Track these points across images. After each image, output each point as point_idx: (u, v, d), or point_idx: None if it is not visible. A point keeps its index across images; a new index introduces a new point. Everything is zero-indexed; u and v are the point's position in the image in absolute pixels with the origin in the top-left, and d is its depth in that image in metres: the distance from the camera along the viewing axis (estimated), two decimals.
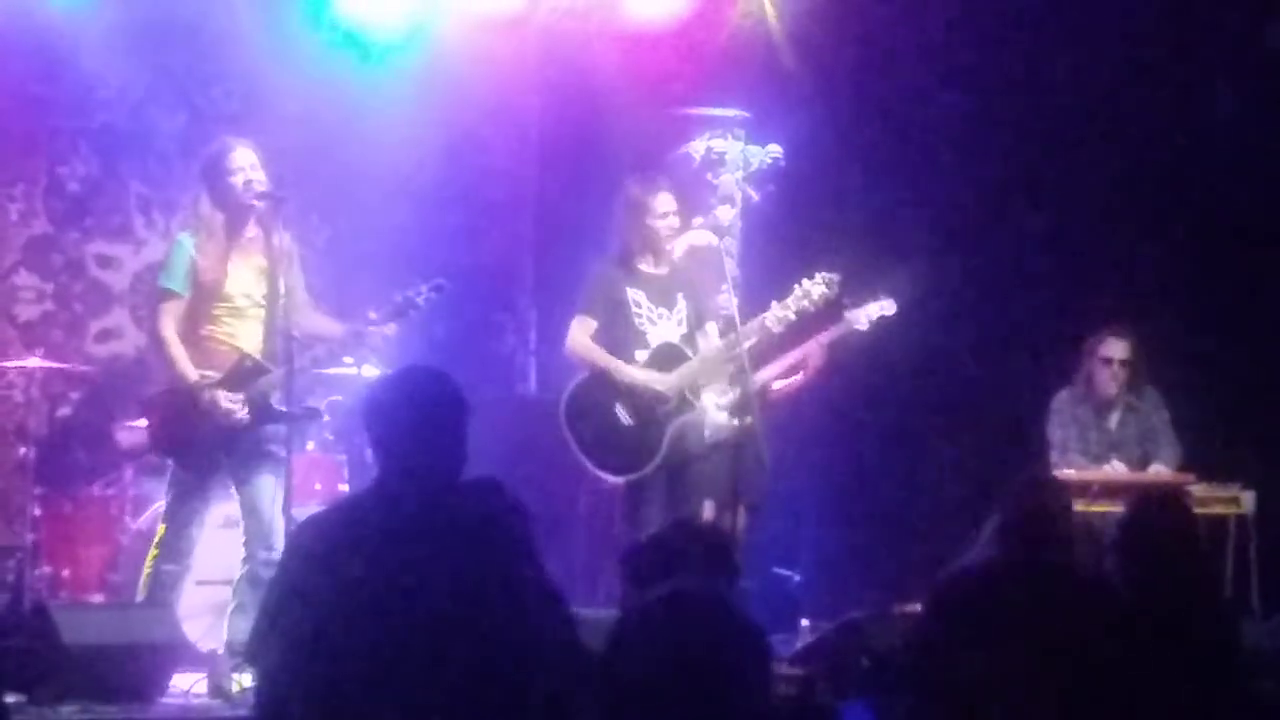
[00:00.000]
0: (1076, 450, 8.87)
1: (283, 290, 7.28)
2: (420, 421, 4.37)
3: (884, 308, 8.34)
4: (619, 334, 7.87)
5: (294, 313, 7.26)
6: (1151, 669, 5.25)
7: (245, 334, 7.31)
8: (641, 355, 7.85)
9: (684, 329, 7.95)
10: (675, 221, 7.98)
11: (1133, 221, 9.90)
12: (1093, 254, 9.91)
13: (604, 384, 7.82)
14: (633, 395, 7.79)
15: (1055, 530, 5.56)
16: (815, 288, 7.93)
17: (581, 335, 7.88)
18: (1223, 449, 8.90)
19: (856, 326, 8.34)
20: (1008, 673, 5.19)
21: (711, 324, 8.00)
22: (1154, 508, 5.80)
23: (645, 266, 7.97)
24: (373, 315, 7.22)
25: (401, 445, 4.37)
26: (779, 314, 7.87)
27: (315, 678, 4.16)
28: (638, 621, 3.48)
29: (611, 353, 7.85)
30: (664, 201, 7.95)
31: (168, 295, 7.32)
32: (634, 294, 7.89)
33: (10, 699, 6.49)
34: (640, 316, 7.89)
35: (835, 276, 7.98)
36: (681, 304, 7.96)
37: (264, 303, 7.32)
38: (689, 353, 7.88)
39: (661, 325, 7.91)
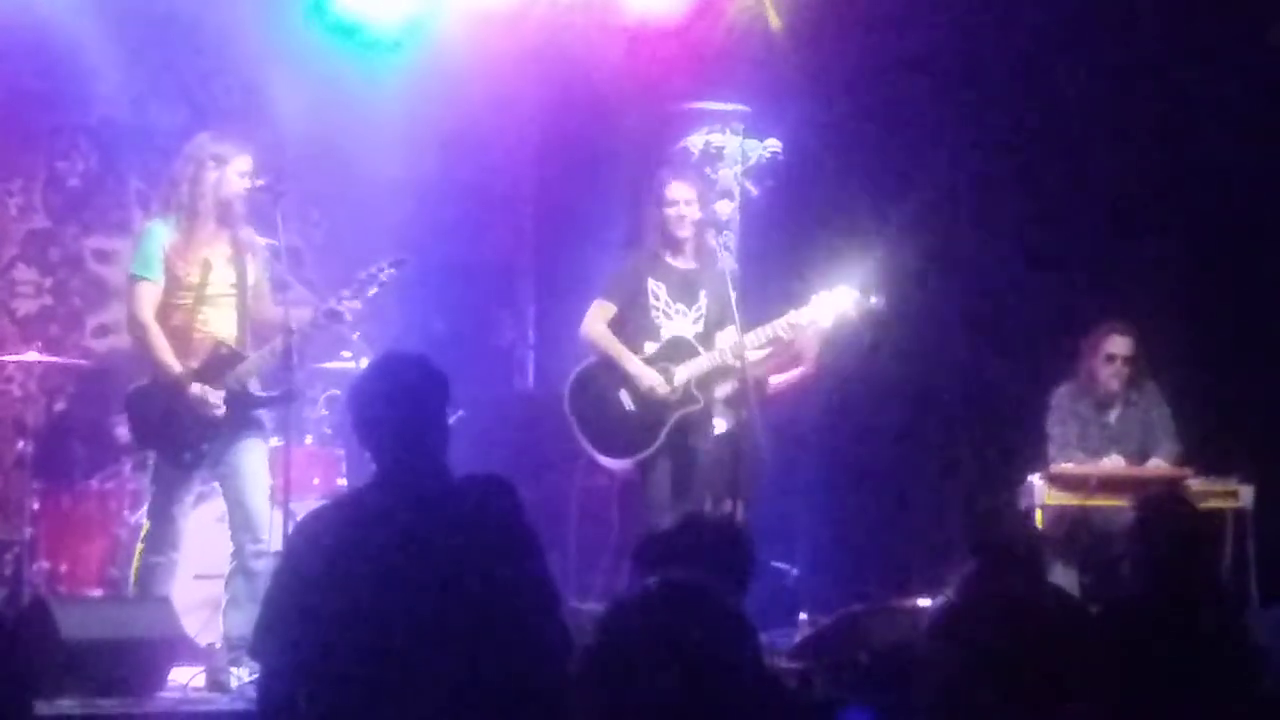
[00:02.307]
0: (1075, 445, 8.87)
1: (251, 279, 7.32)
2: (400, 404, 4.38)
3: (872, 302, 8.34)
4: (633, 323, 7.91)
5: (257, 302, 7.32)
6: (1167, 669, 5.26)
7: (218, 321, 7.34)
8: (651, 347, 7.89)
9: (701, 327, 7.97)
10: (686, 211, 7.96)
11: (1132, 218, 9.90)
12: (1092, 249, 9.91)
13: (610, 370, 7.86)
14: (634, 385, 7.82)
15: (1023, 563, 5.60)
16: (834, 300, 7.95)
17: (597, 320, 7.93)
18: (1221, 443, 8.89)
19: (844, 319, 8.33)
20: (997, 702, 5.22)
21: (732, 327, 7.98)
22: (1158, 510, 5.80)
23: (671, 259, 7.99)
24: (344, 293, 7.29)
25: (383, 429, 4.39)
26: (793, 320, 7.91)
27: (318, 671, 4.17)
28: (624, 612, 3.48)
29: (624, 341, 7.90)
30: (675, 190, 7.97)
31: (142, 283, 7.33)
32: (654, 285, 7.93)
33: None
34: (656, 309, 7.92)
35: (855, 291, 8.00)
36: (703, 301, 7.97)
37: (233, 291, 7.35)
38: (700, 348, 7.89)
39: (678, 320, 7.94)
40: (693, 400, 7.86)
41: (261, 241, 7.45)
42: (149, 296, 7.30)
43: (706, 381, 7.91)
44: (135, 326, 7.40)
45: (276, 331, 7.28)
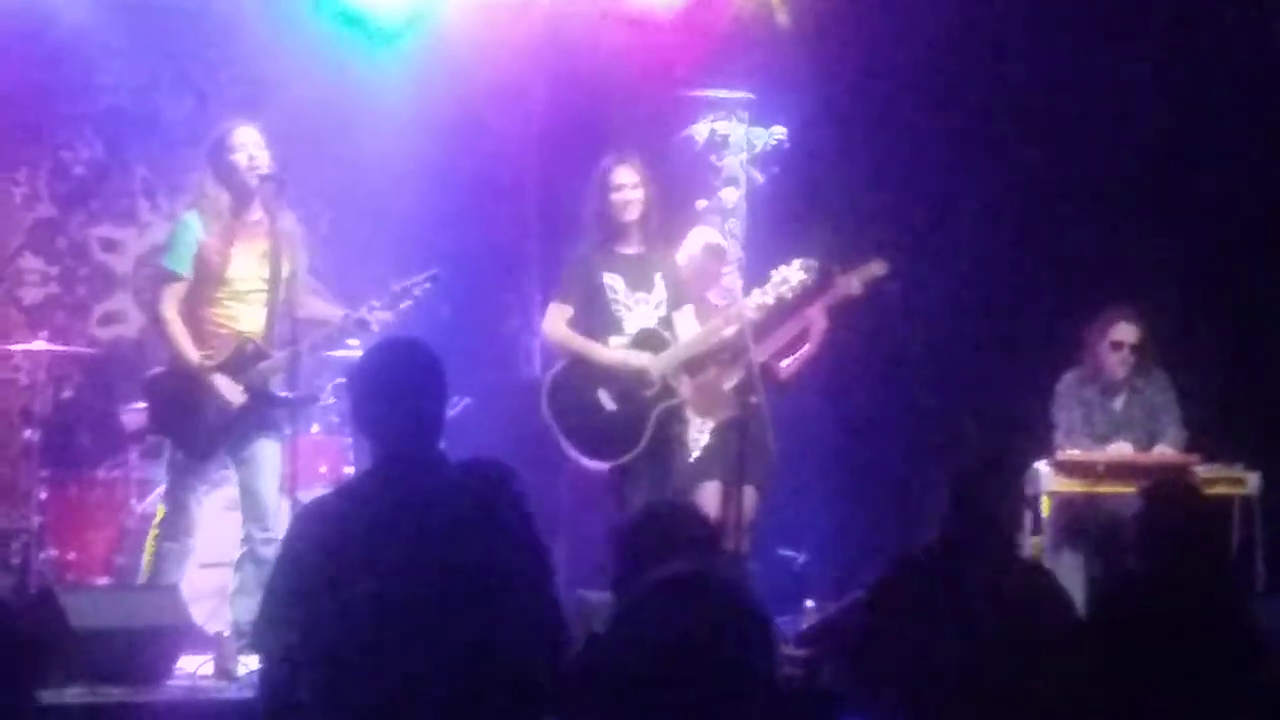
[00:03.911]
0: (1082, 432, 8.87)
1: (285, 273, 7.30)
2: (395, 390, 4.38)
3: (875, 269, 8.34)
4: (595, 320, 7.81)
5: (296, 296, 7.30)
6: (1171, 654, 5.25)
7: (247, 317, 7.33)
8: (618, 341, 7.80)
9: (662, 311, 7.89)
10: (632, 195, 7.86)
11: (1138, 205, 9.90)
12: (1099, 237, 9.90)
13: (585, 370, 7.77)
14: (614, 380, 7.75)
15: (1001, 514, 5.56)
16: (794, 274, 7.89)
17: (558, 322, 7.83)
18: (1228, 430, 8.89)
19: (850, 291, 8.34)
20: (950, 657, 5.19)
21: (689, 306, 7.98)
22: (1165, 497, 5.79)
23: (621, 247, 7.90)
24: (374, 304, 7.27)
25: (379, 416, 4.39)
26: (759, 300, 7.84)
27: (319, 661, 4.18)
28: (640, 603, 3.48)
29: (587, 339, 7.82)
30: (621, 174, 7.87)
31: (171, 276, 7.35)
32: (610, 279, 7.83)
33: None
34: (617, 302, 7.83)
35: (814, 262, 7.94)
36: (659, 285, 7.90)
37: (266, 286, 7.33)
38: (669, 338, 7.86)
39: (639, 310, 7.85)
40: (671, 393, 7.81)
41: (300, 230, 7.48)
42: (174, 290, 7.32)
43: (682, 371, 7.89)
44: (156, 319, 7.44)
45: (314, 325, 7.31)
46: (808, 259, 7.92)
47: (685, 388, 7.88)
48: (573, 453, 7.77)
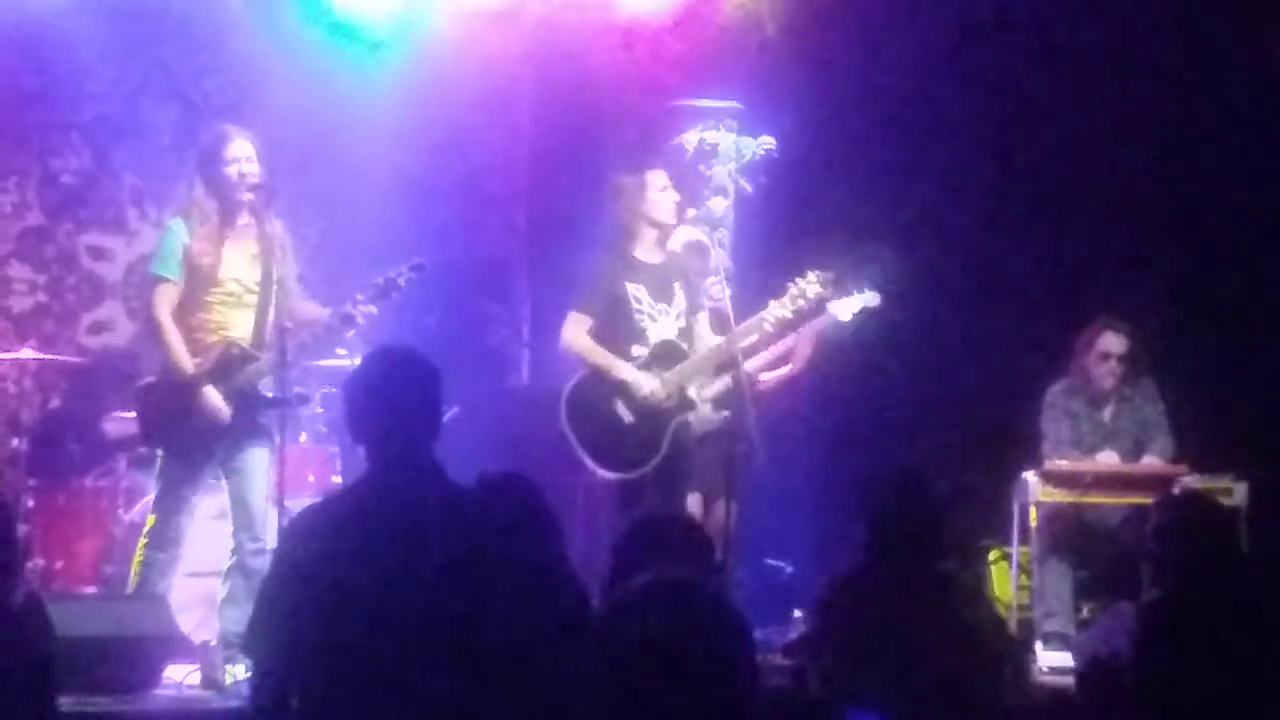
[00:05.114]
0: (1069, 442, 8.86)
1: (276, 277, 7.29)
2: (393, 400, 4.39)
3: (867, 300, 8.35)
4: (618, 329, 7.81)
5: (286, 300, 7.29)
6: (1215, 663, 5.20)
7: (237, 322, 7.32)
8: (639, 351, 7.81)
9: (682, 322, 7.92)
10: (676, 195, 7.93)
11: (1128, 215, 9.91)
12: (1087, 248, 9.92)
13: (603, 381, 7.77)
14: (631, 393, 7.77)
15: (926, 532, 5.52)
16: (810, 286, 7.89)
17: (578, 332, 7.81)
18: (1215, 440, 8.89)
19: (839, 318, 8.34)
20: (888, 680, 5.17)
21: (702, 314, 8.00)
22: (1180, 511, 5.73)
23: (643, 255, 7.90)
24: (359, 297, 7.24)
25: (376, 425, 4.40)
26: (777, 313, 7.83)
27: (311, 668, 4.18)
28: (617, 611, 3.49)
29: (608, 348, 7.80)
30: (660, 177, 7.91)
31: (161, 282, 7.34)
32: (634, 289, 7.83)
33: None
34: (641, 313, 7.83)
35: (829, 275, 7.95)
36: (679, 295, 7.92)
37: (257, 289, 7.34)
38: (687, 350, 7.86)
39: (662, 321, 7.86)
40: (689, 405, 7.83)
41: (288, 237, 7.48)
42: (167, 296, 7.31)
43: (696, 381, 7.90)
44: (152, 325, 7.41)
45: (304, 327, 7.30)
46: (823, 271, 7.92)
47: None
48: (591, 464, 7.75)
